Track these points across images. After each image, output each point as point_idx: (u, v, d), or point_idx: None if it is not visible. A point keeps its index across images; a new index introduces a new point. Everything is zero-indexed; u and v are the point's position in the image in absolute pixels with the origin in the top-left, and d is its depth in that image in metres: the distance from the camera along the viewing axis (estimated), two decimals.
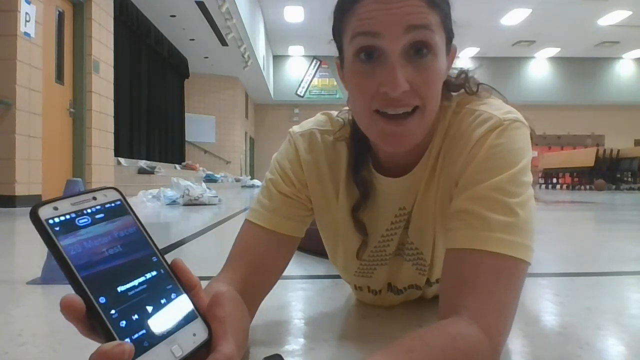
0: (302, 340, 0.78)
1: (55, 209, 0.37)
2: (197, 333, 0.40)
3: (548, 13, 12.25)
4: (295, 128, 0.81)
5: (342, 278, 0.96)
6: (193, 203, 4.58)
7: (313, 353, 0.71)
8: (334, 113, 0.81)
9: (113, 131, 6.11)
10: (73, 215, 0.37)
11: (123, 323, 0.36)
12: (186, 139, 12.43)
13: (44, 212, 0.36)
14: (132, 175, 7.24)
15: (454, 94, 0.72)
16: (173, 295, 0.40)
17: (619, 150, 11.24)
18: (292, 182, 0.76)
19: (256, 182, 12.35)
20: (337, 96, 16.31)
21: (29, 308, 0.99)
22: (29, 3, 4.31)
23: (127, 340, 0.35)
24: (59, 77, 5.12)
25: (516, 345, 0.74)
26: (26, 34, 4.29)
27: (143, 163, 8.01)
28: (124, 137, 7.94)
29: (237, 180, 12.26)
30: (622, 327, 0.86)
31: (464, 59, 15.47)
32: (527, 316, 0.91)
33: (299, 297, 1.08)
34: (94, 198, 0.40)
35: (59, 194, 1.27)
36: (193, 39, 10.00)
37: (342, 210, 0.79)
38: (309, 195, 0.78)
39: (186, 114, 12.34)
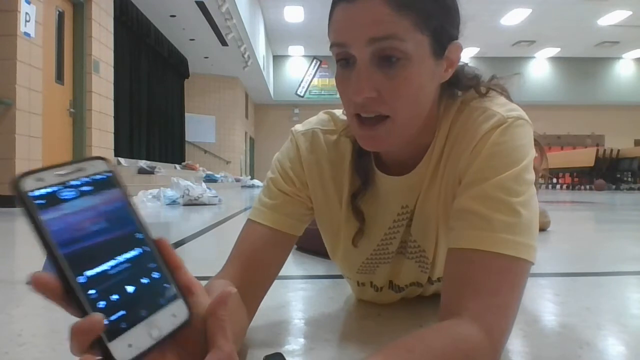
0: (302, 340, 0.78)
1: (39, 180, 0.34)
2: (177, 314, 0.39)
3: (548, 13, 12.24)
4: (298, 127, 0.81)
5: (342, 277, 0.96)
6: (193, 203, 4.58)
7: (313, 353, 0.71)
8: (337, 111, 0.81)
9: (113, 131, 6.11)
10: (59, 187, 0.35)
11: (102, 304, 0.34)
12: (186, 139, 12.42)
13: (27, 184, 0.33)
14: (132, 175, 7.23)
15: (460, 92, 0.71)
16: (155, 275, 0.39)
17: (619, 150, 11.24)
18: (292, 181, 0.77)
19: (256, 182, 12.35)
20: (337, 96, 16.18)
21: (29, 308, 0.99)
22: (29, 3, 4.31)
23: (105, 322, 0.34)
24: (59, 77, 5.12)
25: (516, 345, 0.74)
26: (26, 34, 4.29)
27: (143, 163, 8.00)
28: (124, 137, 7.94)
29: (237, 180, 12.25)
30: (622, 327, 0.86)
31: (464, 59, 15.44)
32: (527, 316, 0.91)
33: (299, 297, 1.08)
34: (81, 169, 0.37)
35: None
36: (193, 39, 10.00)
37: (344, 205, 0.79)
38: (310, 194, 0.78)
39: (186, 114, 12.33)
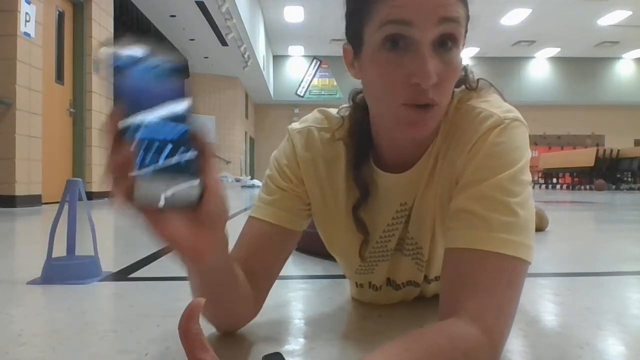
0: (302, 340, 0.78)
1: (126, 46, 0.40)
2: (190, 192, 0.41)
3: (548, 13, 12.25)
4: (294, 125, 0.82)
5: (342, 277, 0.96)
6: None
7: (313, 353, 0.71)
8: (332, 110, 0.82)
9: None
10: (145, 57, 0.41)
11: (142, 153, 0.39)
12: None
13: (119, 50, 0.40)
14: None
15: (455, 89, 0.71)
16: (190, 154, 0.41)
17: (619, 150, 11.25)
18: (289, 178, 0.77)
19: (256, 182, 12.34)
20: (337, 96, 16.30)
21: (29, 308, 0.99)
22: (29, 3, 4.31)
23: (138, 161, 0.38)
24: (59, 77, 5.12)
25: (516, 345, 0.74)
26: (26, 34, 4.29)
27: None
28: None
29: (237, 180, 12.25)
30: (623, 327, 0.86)
31: (464, 59, 15.48)
32: (527, 316, 0.91)
33: (298, 297, 1.08)
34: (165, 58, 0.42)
35: (59, 194, 1.25)
36: (193, 39, 10.00)
37: (341, 209, 0.79)
38: (306, 190, 0.79)
39: None
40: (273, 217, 0.75)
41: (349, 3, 0.65)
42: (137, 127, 0.39)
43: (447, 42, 0.58)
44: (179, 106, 0.41)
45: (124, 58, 0.40)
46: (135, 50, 0.40)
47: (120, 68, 0.40)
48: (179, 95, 0.42)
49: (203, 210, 0.42)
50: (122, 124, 0.39)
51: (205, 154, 0.42)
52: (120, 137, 0.39)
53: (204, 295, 0.50)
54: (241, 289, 0.67)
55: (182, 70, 0.42)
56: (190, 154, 0.41)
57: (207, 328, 0.47)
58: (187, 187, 0.41)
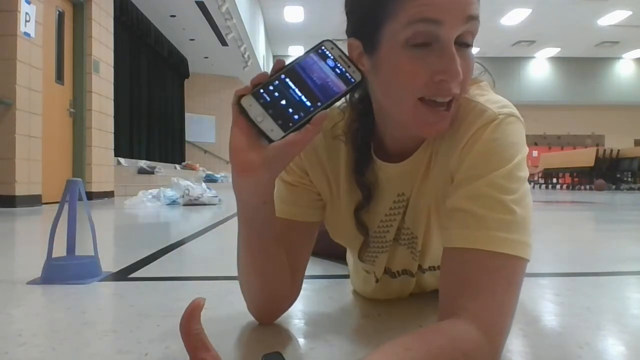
0: (302, 340, 0.78)
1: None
2: (274, 132, 0.53)
3: (548, 13, 12.25)
4: None
5: (342, 277, 0.96)
6: (193, 203, 4.58)
7: (313, 353, 0.71)
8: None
9: (113, 131, 6.11)
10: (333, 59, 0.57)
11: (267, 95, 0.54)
12: (186, 139, 12.42)
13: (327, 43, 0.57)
14: (132, 175, 7.24)
15: None
16: (298, 115, 0.53)
17: (619, 150, 11.25)
18: (293, 170, 0.78)
19: None
20: None
21: (29, 308, 0.99)
22: (29, 3, 4.31)
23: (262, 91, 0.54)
24: (59, 77, 5.12)
25: (516, 345, 0.74)
26: (26, 34, 4.29)
27: (143, 163, 8.01)
28: (124, 137, 7.94)
29: None
30: (623, 327, 0.86)
31: None
32: (527, 316, 0.91)
33: (298, 297, 1.08)
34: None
35: (59, 194, 1.25)
36: (193, 39, 10.00)
37: (343, 206, 0.80)
38: (312, 180, 0.79)
39: (186, 114, 12.33)
40: (281, 213, 0.76)
41: (358, 0, 0.64)
42: (290, 74, 0.54)
43: (467, 41, 0.59)
44: (325, 95, 0.54)
45: (328, 49, 0.55)
46: (338, 53, 0.56)
47: (318, 51, 0.55)
48: (332, 92, 0.54)
49: (269, 147, 0.53)
50: (285, 67, 0.54)
51: (308, 129, 0.53)
52: (276, 71, 0.54)
53: (250, 252, 0.61)
54: (283, 262, 0.71)
55: (350, 84, 0.55)
56: (299, 118, 0.53)
57: (207, 328, 0.46)
58: (272, 128, 0.52)
